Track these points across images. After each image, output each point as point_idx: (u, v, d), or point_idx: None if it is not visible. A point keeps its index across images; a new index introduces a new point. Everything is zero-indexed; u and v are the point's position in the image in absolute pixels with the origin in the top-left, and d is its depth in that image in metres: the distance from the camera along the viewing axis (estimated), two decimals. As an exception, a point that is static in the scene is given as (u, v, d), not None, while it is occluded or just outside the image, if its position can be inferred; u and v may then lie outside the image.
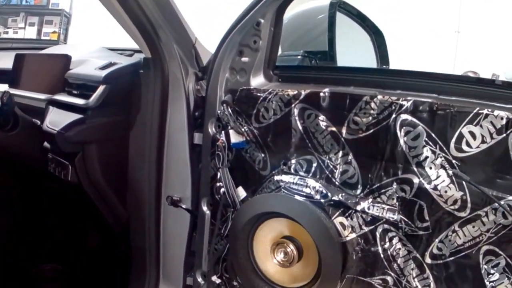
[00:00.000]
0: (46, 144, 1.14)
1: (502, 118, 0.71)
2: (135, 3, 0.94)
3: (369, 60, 1.23)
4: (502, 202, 0.72)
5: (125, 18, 0.98)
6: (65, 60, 1.25)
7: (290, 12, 1.03)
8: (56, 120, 1.09)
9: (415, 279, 0.81)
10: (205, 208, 1.01)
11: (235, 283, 0.98)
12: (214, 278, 1.05)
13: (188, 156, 1.02)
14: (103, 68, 1.09)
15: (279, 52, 1.00)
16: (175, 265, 1.10)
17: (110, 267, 1.28)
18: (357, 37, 1.23)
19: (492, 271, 0.77)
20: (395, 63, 3.87)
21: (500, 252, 0.76)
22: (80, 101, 1.08)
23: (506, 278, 0.76)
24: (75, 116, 1.04)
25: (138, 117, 1.06)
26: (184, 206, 1.07)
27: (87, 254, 1.32)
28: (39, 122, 1.13)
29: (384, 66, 1.20)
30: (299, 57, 0.99)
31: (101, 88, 1.04)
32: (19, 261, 1.28)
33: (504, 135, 0.71)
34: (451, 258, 0.78)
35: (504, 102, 0.77)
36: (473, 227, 0.76)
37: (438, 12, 3.53)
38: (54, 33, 4.48)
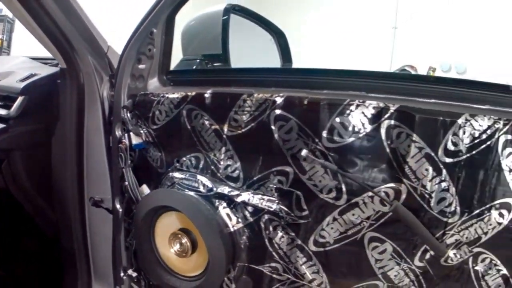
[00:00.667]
0: None
1: (374, 108, 0.76)
2: (47, 18, 1.00)
3: (273, 61, 1.25)
4: (377, 190, 0.76)
5: (39, 32, 1.04)
6: None
7: (192, 17, 1.09)
8: None
9: (303, 266, 0.86)
10: (118, 206, 1.08)
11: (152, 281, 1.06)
12: (130, 271, 1.12)
13: (105, 159, 1.09)
14: (23, 80, 1.15)
15: (182, 57, 1.08)
16: (105, 262, 1.16)
17: (45, 269, 1.32)
18: (260, 39, 1.25)
19: (380, 257, 0.81)
20: (335, 61, 3.91)
21: (385, 238, 0.80)
22: (2, 112, 1.14)
23: (396, 264, 0.80)
24: None
25: (58, 124, 1.14)
26: (104, 206, 1.15)
27: (24, 258, 1.35)
28: None
29: (286, 65, 1.26)
30: (197, 61, 1.04)
31: (20, 99, 1.11)
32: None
33: (376, 124, 0.76)
34: (336, 245, 0.82)
35: (378, 92, 0.80)
36: (353, 214, 0.80)
37: (376, 9, 3.65)
38: (-1, 40, 4.77)
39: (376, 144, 0.77)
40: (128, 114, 0.99)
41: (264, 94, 0.85)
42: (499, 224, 0.74)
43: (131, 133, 0.99)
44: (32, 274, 1.34)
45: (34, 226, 1.28)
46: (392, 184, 0.76)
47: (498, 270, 0.77)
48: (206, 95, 0.89)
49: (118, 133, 1.02)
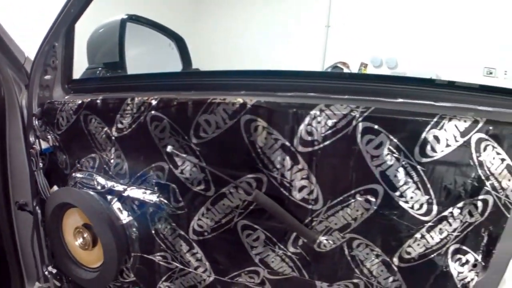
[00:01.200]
0: None
1: (233, 104, 0.82)
2: None
3: (176, 64, 1.33)
4: (240, 180, 0.82)
5: None
6: None
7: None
8: None
9: (187, 254, 0.95)
10: (37, 208, 1.19)
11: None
12: (50, 268, 1.20)
13: (27, 164, 1.21)
14: None
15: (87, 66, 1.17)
16: (34, 261, 1.23)
17: None
18: (162, 45, 1.33)
19: (255, 244, 0.88)
20: (270, 60, 4.05)
21: (256, 226, 0.86)
22: None
23: (271, 251, 0.87)
24: None
25: None
26: (27, 209, 1.23)
27: None
28: None
29: (186, 68, 1.35)
30: (99, 69, 1.14)
31: None
32: None
33: (236, 119, 0.82)
34: (214, 234, 0.89)
35: (241, 89, 0.85)
36: (224, 204, 0.86)
37: (310, 8, 3.75)
38: None
39: (237, 137, 0.83)
40: (37, 122, 1.08)
41: (143, 97, 0.92)
42: (367, 210, 0.79)
43: (39, 138, 1.08)
44: None
45: None
46: (253, 175, 0.83)
47: (377, 255, 0.82)
48: (98, 101, 0.99)
49: (31, 139, 1.12)
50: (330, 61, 3.75)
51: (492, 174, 0.73)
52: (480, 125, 0.71)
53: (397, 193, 0.77)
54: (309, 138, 0.79)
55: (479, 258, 0.77)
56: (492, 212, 0.75)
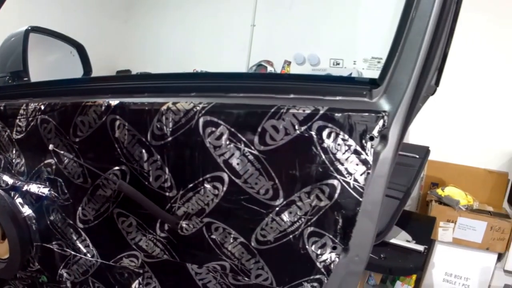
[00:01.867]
0: None
1: (101, 105, 0.90)
2: None
3: (78, 70, 1.42)
4: (109, 173, 0.92)
5: None
6: None
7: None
8: None
9: (77, 241, 1.03)
10: None
11: None
12: None
13: None
14: None
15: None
16: None
17: None
18: (65, 53, 1.41)
19: (129, 230, 0.97)
20: (195, 60, 4.44)
21: (128, 213, 0.95)
22: None
23: (143, 235, 0.95)
24: None
25: None
26: None
27: None
28: None
29: (87, 73, 1.46)
30: (7, 77, 1.22)
31: None
32: None
33: (104, 118, 0.90)
34: (96, 222, 0.97)
35: (110, 92, 0.94)
36: (100, 195, 0.95)
37: (236, 8, 3.84)
38: None
39: (104, 135, 0.92)
40: None
41: (34, 103, 1.01)
42: (216, 195, 0.88)
43: None
44: None
45: None
46: (118, 167, 0.94)
47: (235, 238, 0.90)
48: (1, 107, 1.09)
49: None
50: (255, 60, 3.74)
51: (338, 160, 0.79)
52: (321, 113, 0.77)
53: (241, 180, 0.85)
54: (160, 133, 0.89)
55: (337, 240, 0.83)
56: (342, 195, 0.80)
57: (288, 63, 3.57)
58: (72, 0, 3.92)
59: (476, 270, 2.77)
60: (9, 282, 1.26)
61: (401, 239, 2.57)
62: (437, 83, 0.95)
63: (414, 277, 2.79)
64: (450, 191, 2.83)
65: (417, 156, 2.60)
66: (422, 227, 2.74)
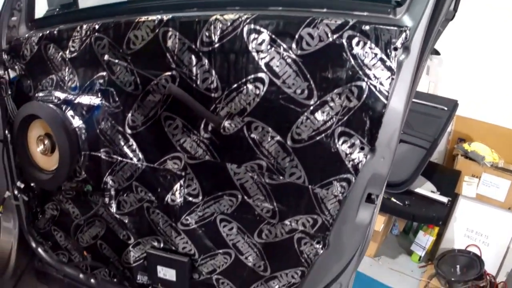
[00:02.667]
0: None
1: (154, 20, 1.11)
2: None
3: None
4: (159, 78, 1.15)
5: None
6: None
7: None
8: None
9: (124, 147, 1.24)
10: (8, 133, 1.50)
11: (33, 184, 1.47)
12: (18, 183, 1.52)
13: None
14: None
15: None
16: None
17: None
18: None
19: (175, 132, 1.17)
20: None
21: (175, 116, 1.18)
22: None
23: (187, 136, 1.15)
24: None
25: None
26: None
27: None
28: None
29: None
30: (57, 10, 1.49)
31: None
32: None
33: (156, 32, 1.11)
34: (144, 127, 1.19)
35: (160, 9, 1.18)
36: (149, 100, 1.17)
37: None
38: None
39: (156, 45, 1.12)
40: (6, 56, 1.39)
41: (88, 24, 1.22)
42: (257, 95, 1.07)
43: (9, 70, 1.40)
44: None
45: None
46: (168, 73, 1.14)
47: (272, 137, 1.10)
48: (55, 32, 1.30)
49: (0, 72, 1.48)
50: None
51: (366, 65, 0.98)
52: (351, 23, 0.96)
53: (280, 80, 1.06)
54: (208, 40, 1.09)
55: (365, 140, 1.02)
56: (369, 97, 0.99)
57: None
58: None
59: (497, 230, 2.98)
60: (52, 198, 1.49)
61: (426, 189, 2.95)
62: (455, 8, 1.13)
63: (436, 229, 3.10)
64: (476, 147, 3.10)
65: (446, 108, 2.96)
66: (447, 180, 3.09)
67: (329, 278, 1.22)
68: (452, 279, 2.77)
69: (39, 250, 1.63)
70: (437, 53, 3.41)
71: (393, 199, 2.87)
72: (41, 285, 1.95)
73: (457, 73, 3.39)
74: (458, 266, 2.85)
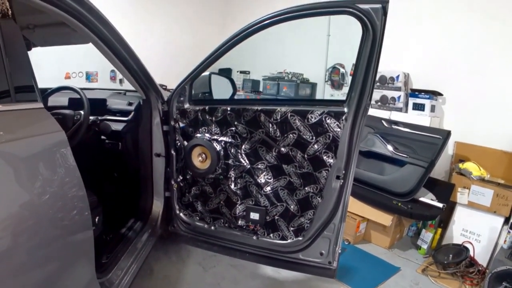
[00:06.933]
0: (103, 136, 4.45)
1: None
2: (134, 68, 4.62)
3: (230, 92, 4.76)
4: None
5: (128, 75, 3.78)
6: (105, 100, 4.78)
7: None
8: (115, 126, 4.43)
9: (240, 158, 4.21)
10: (173, 153, 4.15)
11: (188, 177, 4.33)
12: (179, 178, 4.31)
13: (161, 135, 4.14)
14: (129, 104, 4.44)
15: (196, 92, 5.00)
16: (159, 186, 4.20)
17: (134, 187, 4.33)
18: (224, 82, 4.93)
19: (262, 152, 4.20)
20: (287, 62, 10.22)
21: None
22: (123, 118, 4.42)
23: (266, 153, 4.27)
24: (123, 124, 4.40)
25: (142, 122, 4.10)
26: (162, 155, 4.18)
27: (126, 181, 4.63)
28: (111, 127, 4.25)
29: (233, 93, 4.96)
30: (199, 94, 4.43)
31: (133, 112, 4.35)
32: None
33: (254, 113, 4.05)
34: (249, 151, 4.46)
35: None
36: (253, 139, 4.42)
37: (315, 21, 7.19)
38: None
39: (254, 119, 4.15)
40: (178, 116, 4.01)
41: (223, 107, 4.04)
42: (293, 138, 4.06)
43: (179, 122, 4.08)
44: (131, 189, 4.33)
45: (130, 167, 4.44)
46: (260, 130, 4.21)
47: (299, 154, 4.06)
48: (206, 108, 3.94)
49: (172, 123, 4.08)
50: (330, 63, 8.10)
51: (331, 126, 3.75)
52: (326, 111, 3.60)
53: (302, 133, 4.11)
54: (275, 117, 4.07)
55: (333, 154, 3.96)
56: (333, 138, 3.95)
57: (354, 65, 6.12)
58: (177, 13, 8.54)
59: (486, 229, 5.02)
60: (197, 184, 4.18)
61: (427, 197, 5.30)
62: (370, 100, 3.22)
63: (439, 230, 5.34)
64: (467, 165, 5.18)
65: (440, 137, 5.22)
66: (444, 191, 5.27)
67: (326, 217, 3.54)
68: (445, 262, 4.85)
69: (181, 214, 3.96)
70: (439, 94, 5.91)
71: (400, 204, 5.11)
72: (170, 245, 4.69)
73: (456, 108, 6.06)
74: (450, 255, 4.92)
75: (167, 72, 8.41)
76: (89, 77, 11.07)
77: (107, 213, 4.09)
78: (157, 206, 4.80)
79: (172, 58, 10.49)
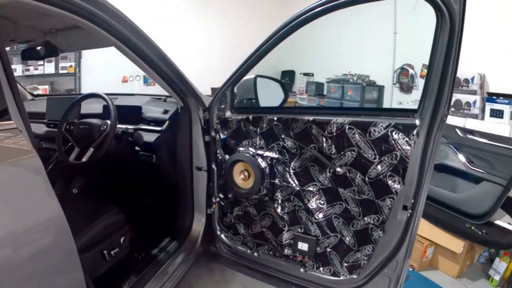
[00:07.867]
0: (137, 148, 4.17)
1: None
2: (170, 76, 3.71)
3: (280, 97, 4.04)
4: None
5: (163, 84, 3.54)
6: (140, 107, 4.47)
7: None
8: (148, 137, 4.19)
9: (288, 178, 3.55)
10: (214, 167, 3.74)
11: (229, 195, 3.89)
12: (220, 195, 3.74)
13: (203, 146, 3.71)
14: (164, 112, 4.10)
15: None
16: (201, 201, 3.80)
17: (172, 203, 4.03)
18: (274, 86, 4.30)
19: (314, 172, 3.60)
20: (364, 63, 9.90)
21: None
22: (157, 128, 4.10)
23: (319, 174, 3.60)
24: (156, 135, 4.07)
25: (180, 132, 3.75)
26: (203, 169, 3.77)
27: (164, 196, 4.39)
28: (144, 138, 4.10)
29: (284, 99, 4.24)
30: (244, 101, 3.88)
31: (167, 122, 4.01)
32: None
33: (305, 124, 3.52)
34: (299, 169, 3.85)
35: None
36: (303, 156, 3.87)
37: (379, 17, 8.53)
38: (71, 67, 8.36)
39: (305, 131, 3.57)
40: (219, 126, 3.57)
41: (269, 116, 3.50)
42: (352, 156, 3.44)
43: (220, 133, 3.64)
44: (168, 205, 4.23)
45: (167, 181, 4.13)
46: (312, 145, 3.55)
47: (359, 176, 3.41)
48: (250, 117, 3.46)
49: (213, 133, 3.62)
50: (398, 63, 7.19)
51: (399, 143, 3.00)
52: (392, 124, 2.83)
53: (362, 150, 3.40)
54: (330, 130, 3.46)
55: (400, 179, 3.16)
56: (401, 158, 3.11)
57: (425, 66, 5.73)
58: (239, 14, 9.40)
59: None
60: (240, 204, 3.75)
61: (504, 221, 4.71)
62: (448, 110, 2.39)
63: None
64: None
65: None
66: None
67: (387, 254, 2.89)
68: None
69: (222, 236, 3.59)
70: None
71: (473, 228, 4.66)
72: (212, 263, 4.12)
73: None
74: (528, 291, 3.60)
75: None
76: (146, 80, 11.08)
77: (142, 230, 4.04)
78: (198, 225, 4.59)
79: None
